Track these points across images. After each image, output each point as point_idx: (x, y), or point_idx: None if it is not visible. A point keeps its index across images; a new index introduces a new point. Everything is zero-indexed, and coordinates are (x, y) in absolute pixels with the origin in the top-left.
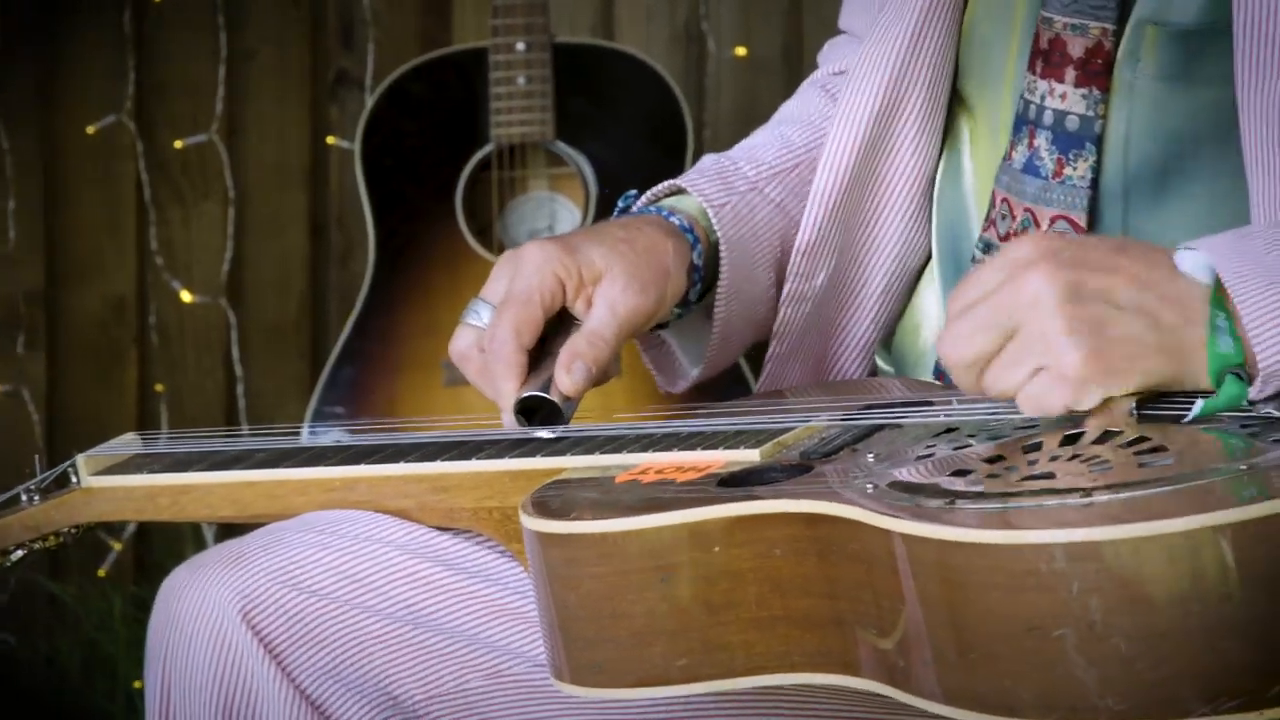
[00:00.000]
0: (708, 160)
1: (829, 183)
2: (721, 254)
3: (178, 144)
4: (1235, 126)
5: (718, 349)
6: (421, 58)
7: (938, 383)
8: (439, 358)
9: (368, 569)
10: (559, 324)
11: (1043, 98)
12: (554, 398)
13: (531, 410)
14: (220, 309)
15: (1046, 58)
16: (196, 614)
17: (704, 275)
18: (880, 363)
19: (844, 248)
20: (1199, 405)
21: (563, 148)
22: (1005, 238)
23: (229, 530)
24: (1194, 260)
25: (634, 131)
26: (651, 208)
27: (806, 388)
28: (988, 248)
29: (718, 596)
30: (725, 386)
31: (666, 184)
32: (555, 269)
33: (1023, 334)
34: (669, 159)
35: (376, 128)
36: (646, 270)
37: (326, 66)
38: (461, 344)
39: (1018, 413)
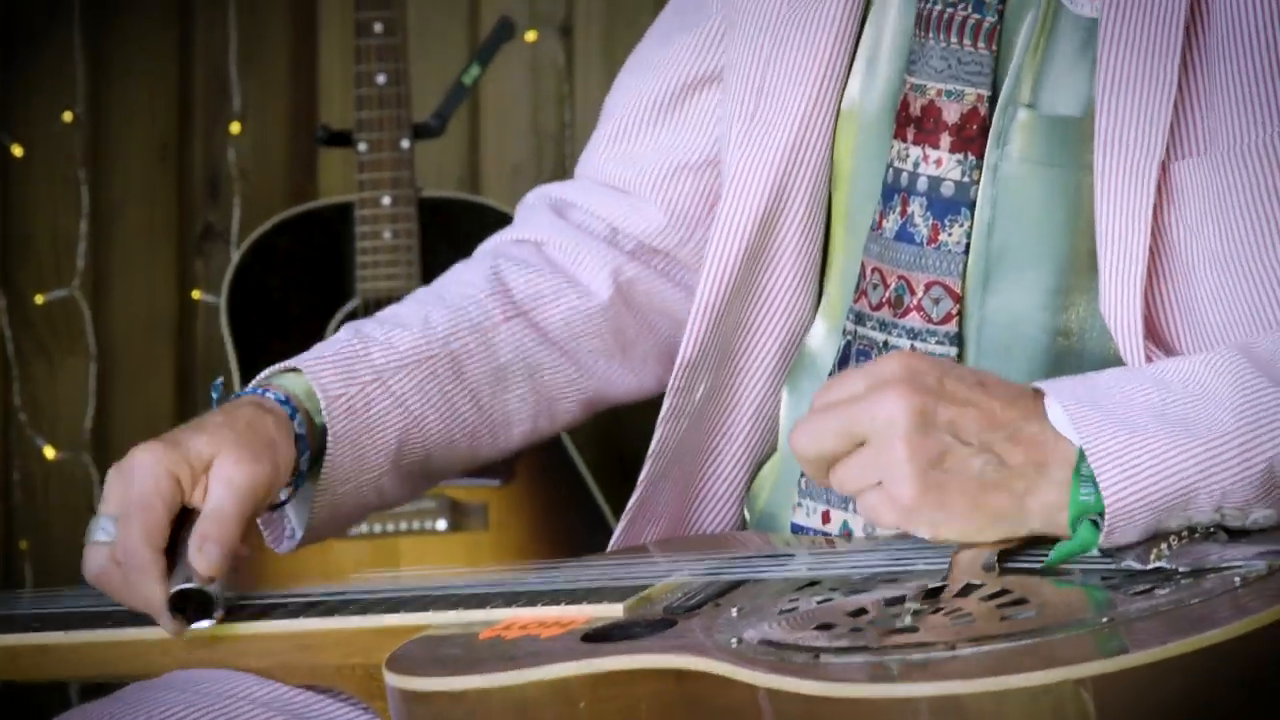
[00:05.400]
0: (344, 334)
1: (711, 295)
2: (329, 447)
3: (39, 299)
4: (1090, 212)
5: (323, 525)
6: (287, 212)
7: (794, 538)
8: None
9: None
10: (184, 522)
11: (916, 164)
12: (200, 585)
13: (185, 605)
14: (84, 464)
15: (919, 124)
16: None
17: (310, 444)
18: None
19: (721, 361)
20: (1053, 552)
21: None
22: (877, 307)
23: (92, 688)
24: (1061, 417)
25: None
26: (252, 389)
27: (668, 541)
28: (859, 318)
29: None
30: (587, 535)
31: (283, 363)
32: (167, 467)
33: (870, 448)
34: None
35: (242, 281)
36: (253, 443)
37: (193, 220)
38: (95, 564)
39: (880, 567)
